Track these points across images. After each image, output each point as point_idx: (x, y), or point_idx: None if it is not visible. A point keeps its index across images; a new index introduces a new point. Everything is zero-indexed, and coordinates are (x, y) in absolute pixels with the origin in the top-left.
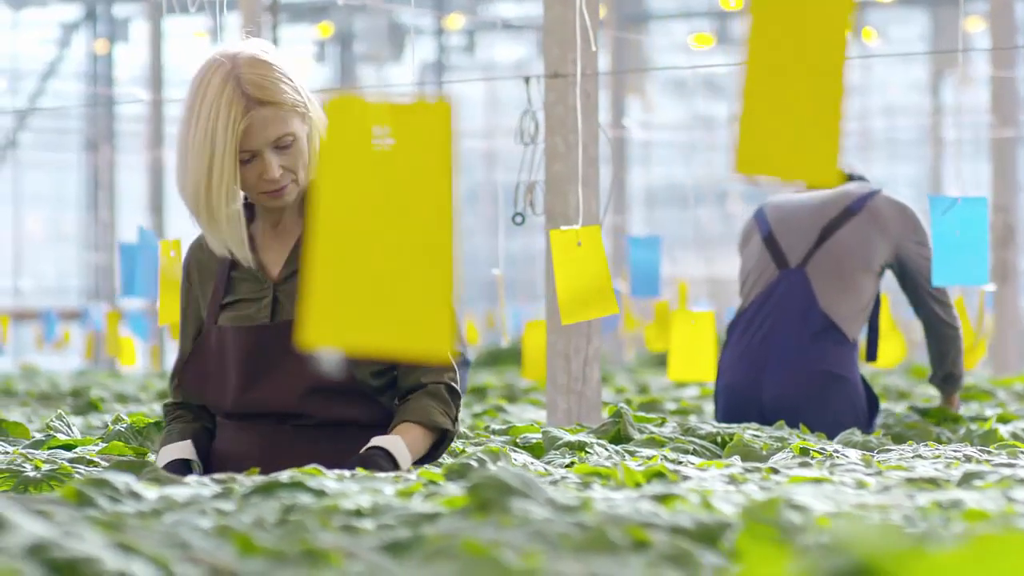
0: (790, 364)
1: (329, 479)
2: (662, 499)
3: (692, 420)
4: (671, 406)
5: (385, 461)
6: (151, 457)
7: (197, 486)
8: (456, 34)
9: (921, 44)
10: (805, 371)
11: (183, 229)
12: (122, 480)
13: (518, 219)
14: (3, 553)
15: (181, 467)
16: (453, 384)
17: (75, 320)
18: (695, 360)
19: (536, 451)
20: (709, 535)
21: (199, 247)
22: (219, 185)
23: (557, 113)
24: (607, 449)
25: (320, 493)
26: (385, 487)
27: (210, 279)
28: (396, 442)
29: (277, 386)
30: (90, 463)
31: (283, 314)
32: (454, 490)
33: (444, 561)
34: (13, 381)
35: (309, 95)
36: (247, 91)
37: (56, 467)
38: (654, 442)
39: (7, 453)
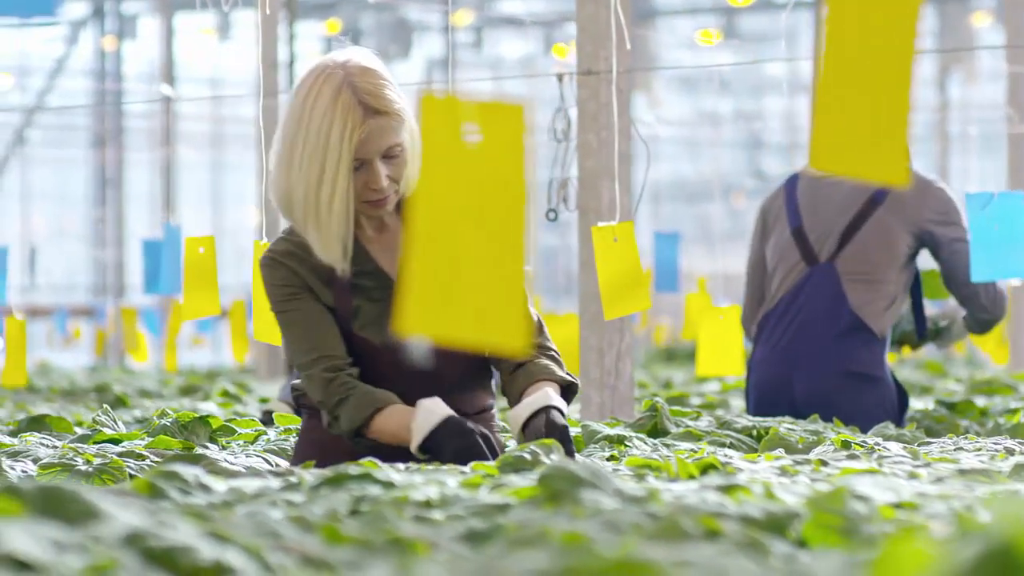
0: (819, 363)
1: (393, 471)
2: (726, 490)
3: (724, 414)
4: (696, 401)
5: (561, 416)
6: (202, 451)
7: (265, 478)
8: (463, 30)
9: (928, 40)
10: (834, 371)
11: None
12: (191, 472)
13: (551, 215)
14: (100, 543)
15: (456, 420)
16: (554, 350)
17: (84, 317)
18: (723, 355)
19: (576, 445)
20: (777, 524)
21: (293, 254)
22: (331, 194)
23: (589, 110)
24: (646, 443)
25: (389, 485)
26: (448, 479)
27: (327, 283)
28: (552, 396)
29: (420, 390)
30: (139, 457)
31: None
32: (521, 481)
33: (530, 550)
34: (30, 378)
35: (408, 104)
36: (363, 100)
37: (107, 461)
38: (691, 436)
39: (55, 448)
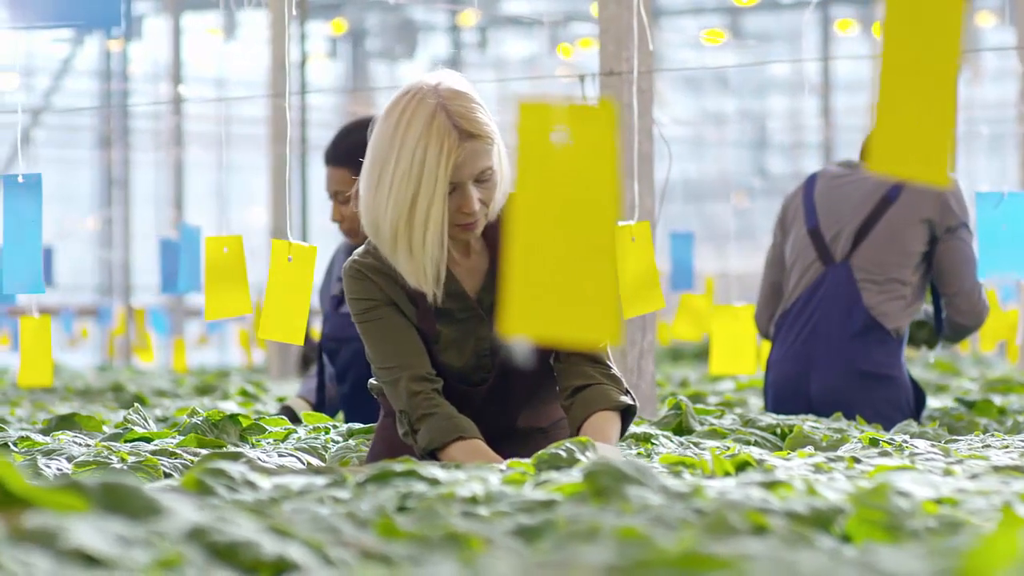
0: (835, 363)
1: (437, 468)
2: (769, 486)
3: (747, 412)
4: (713, 399)
5: None
6: (235, 448)
7: (309, 475)
8: (468, 30)
9: None
10: (850, 371)
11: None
12: (237, 469)
13: None
14: (164, 538)
15: None
16: (613, 368)
17: (89, 317)
18: (737, 353)
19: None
20: (823, 520)
21: (379, 271)
22: (425, 218)
23: None
24: (672, 440)
25: (434, 481)
26: (490, 476)
27: (412, 304)
28: (602, 447)
29: (497, 413)
30: (172, 455)
31: (499, 340)
32: (567, 478)
33: (583, 544)
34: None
35: (495, 126)
36: (458, 124)
37: (141, 459)
38: (716, 433)
39: (88, 446)
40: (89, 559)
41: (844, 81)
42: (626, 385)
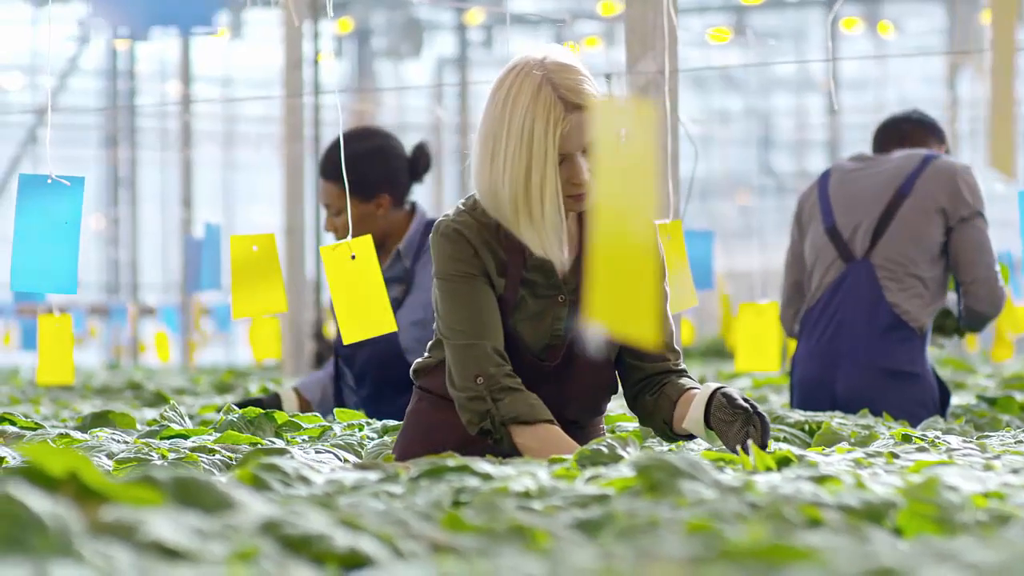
0: (860, 361)
1: (487, 463)
2: (818, 480)
3: (776, 410)
4: None
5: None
6: (271, 443)
7: (360, 471)
8: (474, 29)
9: (937, 37)
10: (876, 369)
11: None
12: (291, 465)
13: None
14: (238, 531)
15: None
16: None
17: (97, 315)
18: (762, 351)
19: (636, 439)
20: (875, 513)
21: (478, 232)
22: (540, 189)
23: None
24: None
25: (486, 477)
26: (539, 471)
27: (501, 272)
28: (711, 386)
29: (559, 397)
30: (210, 452)
31: (575, 324)
32: (619, 473)
33: (643, 538)
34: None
35: None
36: (563, 96)
37: (181, 456)
38: None
39: (127, 443)
40: (167, 551)
41: (849, 80)
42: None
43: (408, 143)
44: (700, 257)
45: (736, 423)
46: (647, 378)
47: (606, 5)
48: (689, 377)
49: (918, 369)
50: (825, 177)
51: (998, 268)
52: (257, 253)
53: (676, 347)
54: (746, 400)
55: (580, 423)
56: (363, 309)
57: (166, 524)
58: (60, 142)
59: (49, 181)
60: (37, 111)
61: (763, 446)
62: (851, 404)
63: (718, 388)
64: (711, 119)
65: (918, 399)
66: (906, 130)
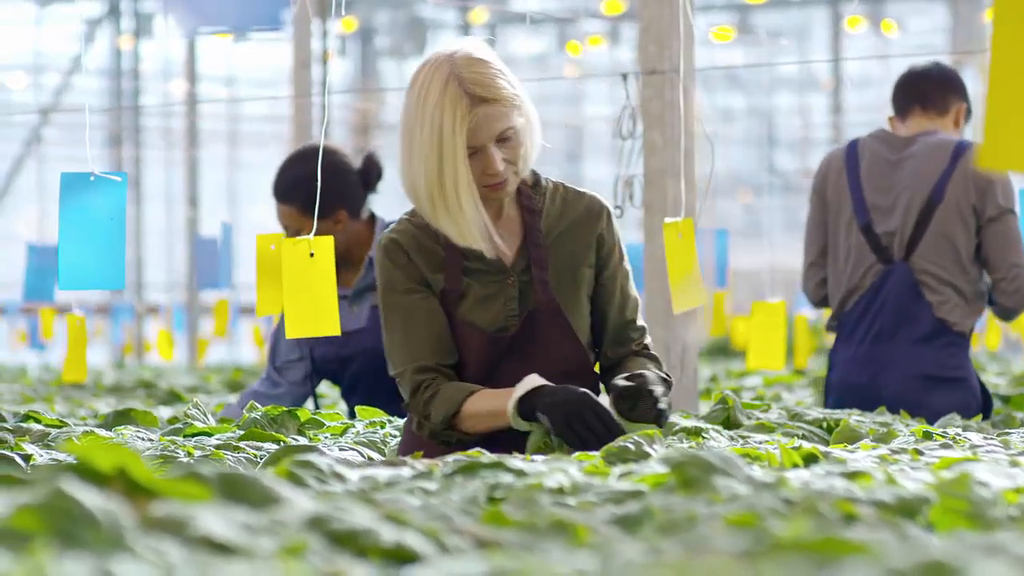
0: (904, 368)
1: (518, 460)
2: (850, 476)
3: (792, 407)
4: (748, 395)
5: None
6: (295, 440)
7: (393, 468)
8: (477, 28)
9: (940, 36)
10: (920, 375)
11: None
12: (325, 462)
13: (618, 212)
14: (285, 526)
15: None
16: (655, 353)
17: (101, 314)
18: (771, 349)
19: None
20: (909, 509)
21: (412, 237)
22: (454, 182)
23: (654, 109)
24: (723, 434)
25: (520, 473)
26: (571, 467)
27: (439, 268)
28: (649, 367)
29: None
30: (235, 449)
31: (527, 304)
32: (648, 469)
33: (691, 533)
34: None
35: (521, 87)
36: (469, 90)
37: (207, 453)
38: (764, 428)
39: (152, 441)
40: (217, 546)
41: (853, 78)
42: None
43: None
44: (716, 255)
45: (635, 408)
46: (612, 364)
47: (610, 4)
48: (650, 359)
49: (962, 374)
50: (853, 159)
51: None
52: (276, 252)
53: (640, 323)
54: (631, 379)
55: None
56: (311, 308)
57: (215, 519)
58: (65, 142)
59: (92, 179)
60: (41, 111)
61: (656, 421)
62: (896, 409)
63: (641, 372)
64: (714, 117)
65: (962, 404)
66: (926, 90)
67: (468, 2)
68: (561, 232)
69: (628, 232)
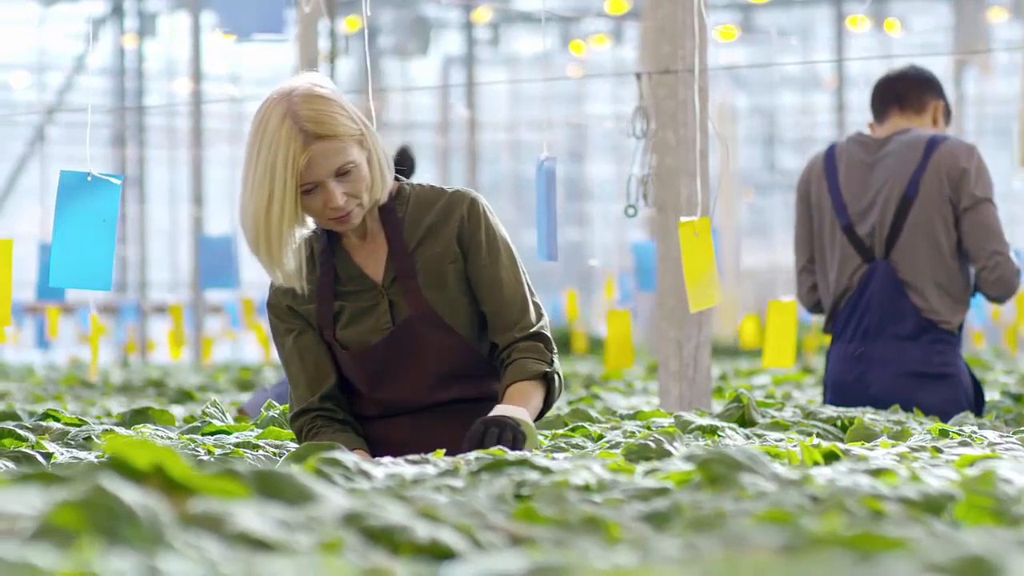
0: (892, 365)
1: (544, 457)
2: (875, 473)
3: (806, 406)
4: (759, 394)
5: (510, 427)
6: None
7: (420, 465)
8: (481, 27)
9: (943, 35)
10: (908, 372)
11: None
12: (351, 459)
13: (631, 211)
14: (321, 523)
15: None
16: (541, 330)
17: (106, 313)
18: (785, 347)
19: (669, 433)
20: (934, 505)
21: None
22: (279, 219)
23: (667, 108)
24: (738, 432)
25: (546, 470)
26: (594, 464)
27: (309, 300)
28: (514, 410)
29: (410, 385)
30: (255, 447)
31: (401, 314)
32: (673, 467)
33: (722, 529)
34: (76, 374)
35: (364, 120)
36: (304, 127)
37: (227, 451)
38: (778, 426)
39: (171, 439)
40: (255, 542)
41: (856, 77)
42: (551, 355)
43: (414, 141)
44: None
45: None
46: (502, 351)
47: (614, 3)
48: (534, 348)
49: (951, 370)
50: (831, 163)
51: (1010, 251)
52: None
53: (524, 304)
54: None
55: (467, 399)
56: None
57: (253, 516)
58: (69, 141)
59: (89, 179)
60: (45, 110)
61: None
62: (886, 406)
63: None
64: (715, 116)
65: (953, 399)
66: (902, 90)
67: (472, 1)
68: (423, 236)
69: (635, 231)
